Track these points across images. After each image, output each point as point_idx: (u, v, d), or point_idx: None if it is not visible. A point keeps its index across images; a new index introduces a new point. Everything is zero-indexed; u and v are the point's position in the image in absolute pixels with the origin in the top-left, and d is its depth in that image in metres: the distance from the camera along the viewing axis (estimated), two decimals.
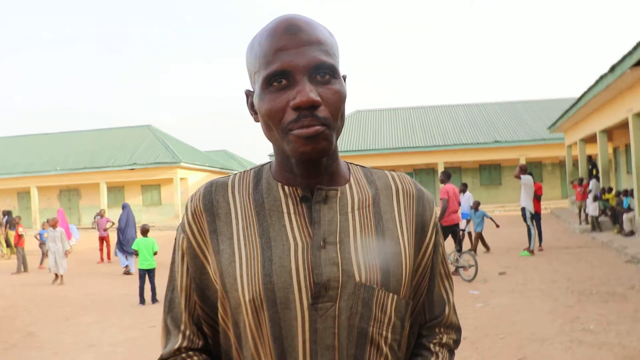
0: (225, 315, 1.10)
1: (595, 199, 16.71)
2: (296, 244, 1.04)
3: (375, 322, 1.05)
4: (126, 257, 13.80)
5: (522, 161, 29.38)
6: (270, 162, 1.19)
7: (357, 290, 1.04)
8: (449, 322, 1.23)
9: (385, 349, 1.07)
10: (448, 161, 31.80)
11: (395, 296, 1.08)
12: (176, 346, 1.12)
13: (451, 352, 1.22)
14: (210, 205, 1.12)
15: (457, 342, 1.24)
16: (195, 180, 36.13)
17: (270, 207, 1.09)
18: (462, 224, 13.14)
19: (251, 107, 1.13)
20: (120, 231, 14.14)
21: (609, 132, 20.15)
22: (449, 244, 10.67)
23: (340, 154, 1.20)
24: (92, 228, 16.79)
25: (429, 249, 1.19)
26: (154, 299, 9.62)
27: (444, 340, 1.21)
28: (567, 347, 5.65)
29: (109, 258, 16.79)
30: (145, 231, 10.35)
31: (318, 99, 0.99)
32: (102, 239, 16.73)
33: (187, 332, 1.12)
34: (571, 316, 6.93)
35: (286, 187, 1.10)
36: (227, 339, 1.11)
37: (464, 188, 14.21)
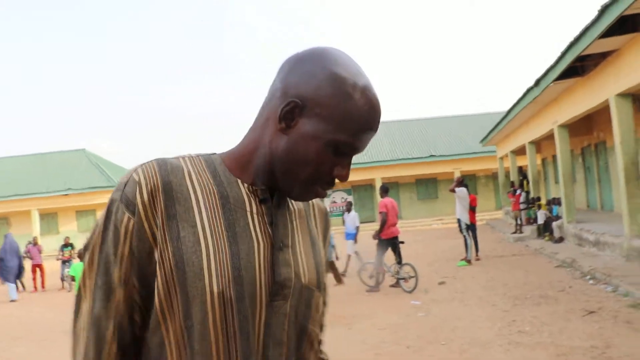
0: (168, 306, 1.02)
1: (539, 207, 17.33)
2: (258, 243, 1.07)
3: (312, 320, 1.15)
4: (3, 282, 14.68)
5: (457, 174, 30.13)
6: (217, 154, 1.17)
7: (302, 291, 1.12)
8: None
9: (315, 344, 1.18)
10: (385, 176, 32.33)
11: (322, 297, 1.19)
12: None
13: None
14: (169, 187, 1.04)
15: None
16: None
17: (235, 203, 1.08)
18: (349, 246, 13.10)
19: (288, 114, 1.06)
20: (2, 260, 14.69)
21: (537, 144, 21.04)
22: (389, 256, 10.87)
23: None
24: (24, 257, 16.33)
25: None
26: None
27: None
28: (506, 349, 5.87)
29: (43, 286, 16.30)
30: (81, 256, 10.15)
31: None
32: (36, 267, 16.35)
33: None
34: (508, 320, 7.20)
35: (246, 185, 1.11)
36: (158, 329, 1.04)
37: (349, 207, 13.81)
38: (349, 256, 13.26)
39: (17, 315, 11.71)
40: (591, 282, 9.44)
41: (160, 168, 1.05)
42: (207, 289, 1.00)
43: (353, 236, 12.98)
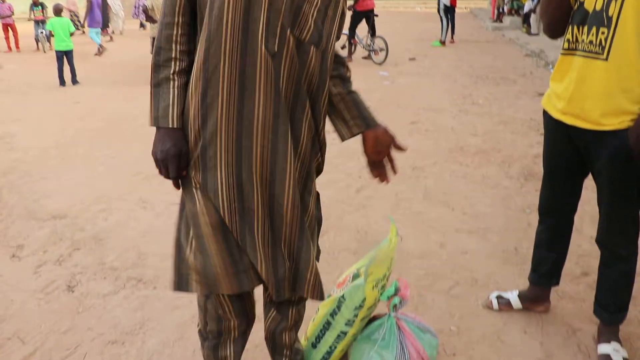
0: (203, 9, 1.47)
1: None
2: None
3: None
4: None
5: None
6: None
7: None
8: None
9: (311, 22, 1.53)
10: None
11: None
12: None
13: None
14: None
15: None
16: None
17: None
18: None
19: None
20: None
21: None
22: (362, 28, 11.09)
23: None
24: None
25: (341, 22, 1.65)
26: (75, 80, 9.59)
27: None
28: (455, 115, 6.50)
29: (17, 46, 15.74)
30: (58, 11, 9.99)
31: None
32: (7, 27, 15.53)
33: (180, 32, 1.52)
34: (465, 94, 7.77)
35: None
36: (198, 13, 1.51)
37: None
38: None
39: None
40: (552, 70, 9.90)
41: None
42: None
43: None
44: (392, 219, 2.11)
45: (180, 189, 1.63)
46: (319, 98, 1.62)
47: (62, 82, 9.49)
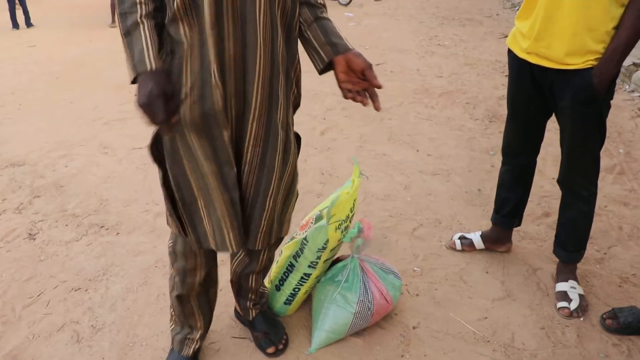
0: None
1: None
2: None
3: None
4: None
5: None
6: None
7: None
8: None
9: None
10: None
11: None
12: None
13: None
14: None
15: None
16: None
17: None
18: None
19: None
20: None
21: None
22: None
23: None
24: None
25: None
26: (29, 23, 9.16)
27: None
28: (421, 56, 6.45)
29: None
30: None
31: None
32: None
33: None
34: (431, 35, 7.70)
35: None
36: None
37: None
38: None
39: None
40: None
41: None
42: None
43: None
44: (355, 160, 2.10)
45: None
46: (292, 25, 1.54)
47: (15, 25, 9.02)
